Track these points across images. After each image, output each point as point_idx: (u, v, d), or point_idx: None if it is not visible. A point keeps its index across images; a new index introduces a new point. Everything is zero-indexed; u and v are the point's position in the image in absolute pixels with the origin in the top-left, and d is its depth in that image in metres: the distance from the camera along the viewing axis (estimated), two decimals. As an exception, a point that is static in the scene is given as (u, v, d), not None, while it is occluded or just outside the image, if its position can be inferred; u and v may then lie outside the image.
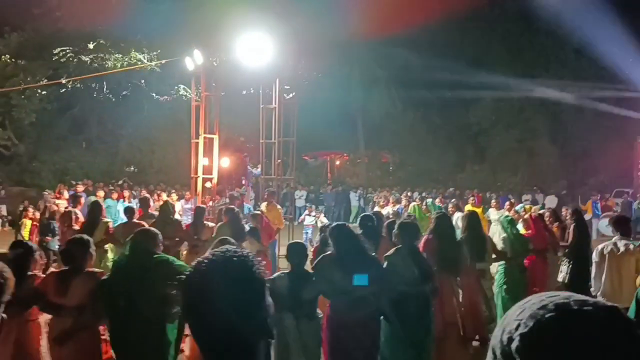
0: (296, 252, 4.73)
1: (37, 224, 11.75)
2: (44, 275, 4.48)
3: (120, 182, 19.99)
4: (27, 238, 10.90)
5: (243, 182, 15.30)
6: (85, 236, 4.69)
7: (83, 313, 4.19)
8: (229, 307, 1.29)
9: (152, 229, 4.62)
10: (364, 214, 8.10)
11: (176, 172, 21.07)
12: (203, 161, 12.70)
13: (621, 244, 5.56)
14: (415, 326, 4.81)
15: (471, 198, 15.06)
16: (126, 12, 17.61)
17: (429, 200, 15.71)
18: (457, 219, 9.47)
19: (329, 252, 4.76)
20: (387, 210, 12.77)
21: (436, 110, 28.85)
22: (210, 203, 12.16)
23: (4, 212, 18.81)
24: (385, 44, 26.38)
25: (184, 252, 7.85)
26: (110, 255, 8.09)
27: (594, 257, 5.76)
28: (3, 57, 22.39)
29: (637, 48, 22.69)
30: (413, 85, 27.37)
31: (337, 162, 33.29)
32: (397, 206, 13.94)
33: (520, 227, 7.44)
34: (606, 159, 23.56)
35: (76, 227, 8.09)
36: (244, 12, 14.50)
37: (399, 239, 5.21)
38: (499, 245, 6.94)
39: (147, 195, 12.20)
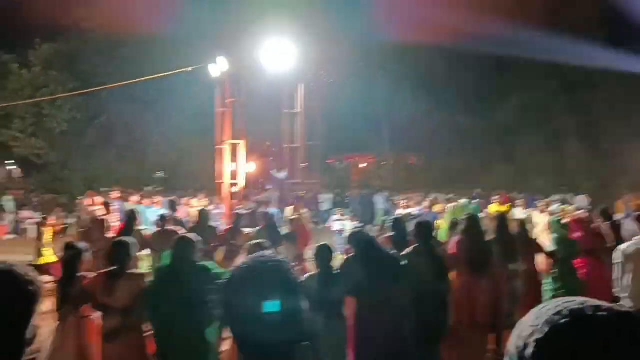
0: (323, 253, 4.87)
1: (60, 231, 12.04)
2: (92, 276, 4.73)
3: (150, 187, 20.29)
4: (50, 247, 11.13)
5: (267, 187, 15.41)
6: (127, 238, 4.92)
7: (129, 314, 4.42)
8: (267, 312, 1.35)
9: (192, 236, 4.75)
10: (394, 217, 8.07)
11: (204, 178, 21.30)
12: (230, 166, 12.84)
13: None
14: (432, 323, 4.89)
15: (496, 198, 14.77)
16: (152, 22, 17.90)
17: (464, 201, 15.42)
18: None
19: (352, 254, 5.00)
20: (409, 213, 12.73)
21: (462, 110, 28.57)
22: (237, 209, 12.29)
23: (38, 220, 19.25)
24: (409, 45, 26.27)
25: (220, 258, 7.92)
26: (143, 263, 8.18)
27: (616, 257, 5.61)
28: (34, 67, 23.00)
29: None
30: (438, 86, 27.20)
31: (363, 165, 33.24)
32: (418, 208, 13.80)
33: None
34: (638, 157, 23.03)
35: (110, 235, 8.21)
36: (267, 18, 14.62)
37: (415, 238, 5.34)
38: (549, 246, 6.87)
39: (174, 198, 12.31)
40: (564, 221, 8.27)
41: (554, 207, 12.08)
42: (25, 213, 19.94)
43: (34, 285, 1.45)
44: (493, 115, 27.73)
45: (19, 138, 23.22)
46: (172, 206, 9.91)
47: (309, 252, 9.01)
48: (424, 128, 27.99)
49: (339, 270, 4.90)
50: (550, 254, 6.74)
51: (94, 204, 12.36)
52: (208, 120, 16.87)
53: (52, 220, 12.03)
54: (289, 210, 10.81)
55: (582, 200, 19.96)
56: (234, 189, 13.06)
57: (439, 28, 25.63)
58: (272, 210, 11.89)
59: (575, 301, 0.89)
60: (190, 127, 23.29)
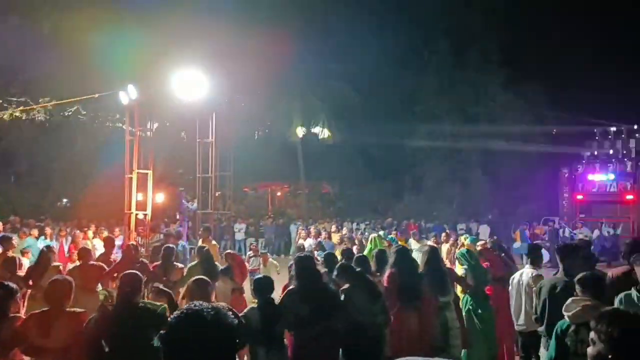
0: (264, 286, 4.91)
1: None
2: (25, 317, 4.42)
3: (42, 217, 19.22)
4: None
5: (177, 217, 15.10)
6: (68, 277, 4.64)
7: (67, 355, 4.16)
8: (205, 356, 1.48)
9: (137, 273, 4.60)
10: (326, 252, 8.16)
11: (111, 207, 20.52)
12: (137, 196, 12.49)
13: (531, 272, 5.86)
14: (369, 355, 5.05)
15: (394, 231, 15.25)
16: (58, 46, 17.26)
17: (382, 232, 15.84)
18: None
19: (292, 287, 5.05)
20: (309, 243, 13.04)
21: (374, 141, 29.56)
22: (139, 239, 11.90)
23: None
24: (324, 77, 27.00)
25: (150, 294, 7.61)
26: None
27: (510, 287, 6.05)
28: None
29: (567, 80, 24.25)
30: (351, 117, 28.05)
31: (278, 194, 33.33)
32: (319, 238, 14.07)
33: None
34: (534, 189, 24.74)
35: (20, 272, 7.58)
36: (179, 47, 14.55)
37: (350, 271, 5.49)
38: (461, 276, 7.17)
39: (112, 235, 11.70)
40: (478, 248, 8.63)
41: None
42: None
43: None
44: (402, 146, 28.86)
45: None
46: (110, 243, 9.49)
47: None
48: (338, 158, 28.65)
49: (279, 303, 4.91)
50: (464, 283, 7.06)
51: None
52: (118, 148, 16.41)
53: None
54: (199, 243, 10.62)
55: (485, 229, 21.11)
56: (140, 215, 12.69)
57: (353, 61, 26.57)
58: (182, 243, 11.69)
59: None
60: (98, 155, 22.44)
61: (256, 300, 4.95)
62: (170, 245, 8.31)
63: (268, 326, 4.61)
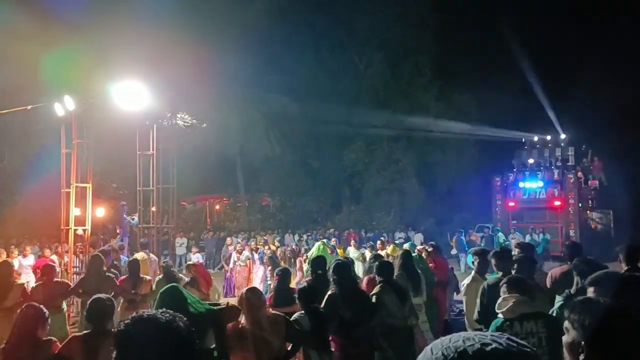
0: (308, 294, 5.03)
1: None
2: (64, 341, 4.08)
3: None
4: None
5: (118, 231, 14.64)
6: (104, 295, 4.35)
7: None
8: None
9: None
10: (314, 257, 8.18)
11: (44, 224, 19.62)
12: (75, 211, 12.02)
13: (476, 277, 6.09)
14: (404, 355, 5.28)
15: (333, 239, 15.55)
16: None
17: (324, 241, 16.05)
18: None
19: (331, 292, 5.29)
20: (245, 255, 13.28)
21: (313, 153, 29.79)
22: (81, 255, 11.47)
23: None
24: (263, 89, 27.02)
25: (119, 308, 7.33)
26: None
27: (462, 290, 6.27)
28: None
29: (497, 93, 25.34)
30: (290, 129, 28.17)
31: (217, 207, 32.92)
32: (259, 250, 14.30)
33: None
34: (468, 197, 25.61)
35: None
36: (118, 58, 14.21)
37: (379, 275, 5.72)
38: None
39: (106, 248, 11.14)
40: (427, 251, 8.86)
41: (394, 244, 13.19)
42: None
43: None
44: (341, 158, 29.24)
45: None
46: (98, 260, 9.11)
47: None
48: (277, 170, 28.65)
49: (323, 308, 5.09)
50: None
51: None
52: (50, 162, 15.73)
53: None
54: (138, 256, 10.34)
55: (418, 237, 21.80)
56: (79, 231, 12.21)
57: (291, 73, 26.77)
58: (123, 257, 11.37)
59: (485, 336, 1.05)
60: (30, 169, 21.42)
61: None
62: (136, 258, 8.12)
63: (318, 331, 4.80)
